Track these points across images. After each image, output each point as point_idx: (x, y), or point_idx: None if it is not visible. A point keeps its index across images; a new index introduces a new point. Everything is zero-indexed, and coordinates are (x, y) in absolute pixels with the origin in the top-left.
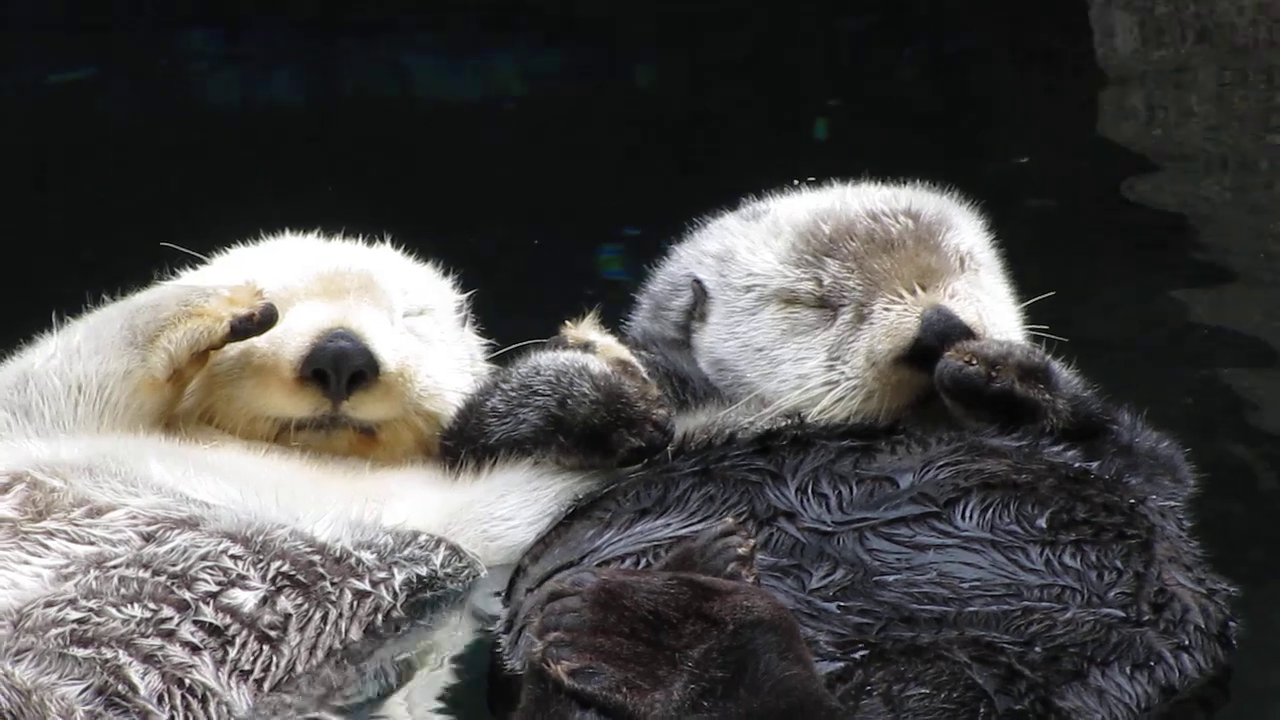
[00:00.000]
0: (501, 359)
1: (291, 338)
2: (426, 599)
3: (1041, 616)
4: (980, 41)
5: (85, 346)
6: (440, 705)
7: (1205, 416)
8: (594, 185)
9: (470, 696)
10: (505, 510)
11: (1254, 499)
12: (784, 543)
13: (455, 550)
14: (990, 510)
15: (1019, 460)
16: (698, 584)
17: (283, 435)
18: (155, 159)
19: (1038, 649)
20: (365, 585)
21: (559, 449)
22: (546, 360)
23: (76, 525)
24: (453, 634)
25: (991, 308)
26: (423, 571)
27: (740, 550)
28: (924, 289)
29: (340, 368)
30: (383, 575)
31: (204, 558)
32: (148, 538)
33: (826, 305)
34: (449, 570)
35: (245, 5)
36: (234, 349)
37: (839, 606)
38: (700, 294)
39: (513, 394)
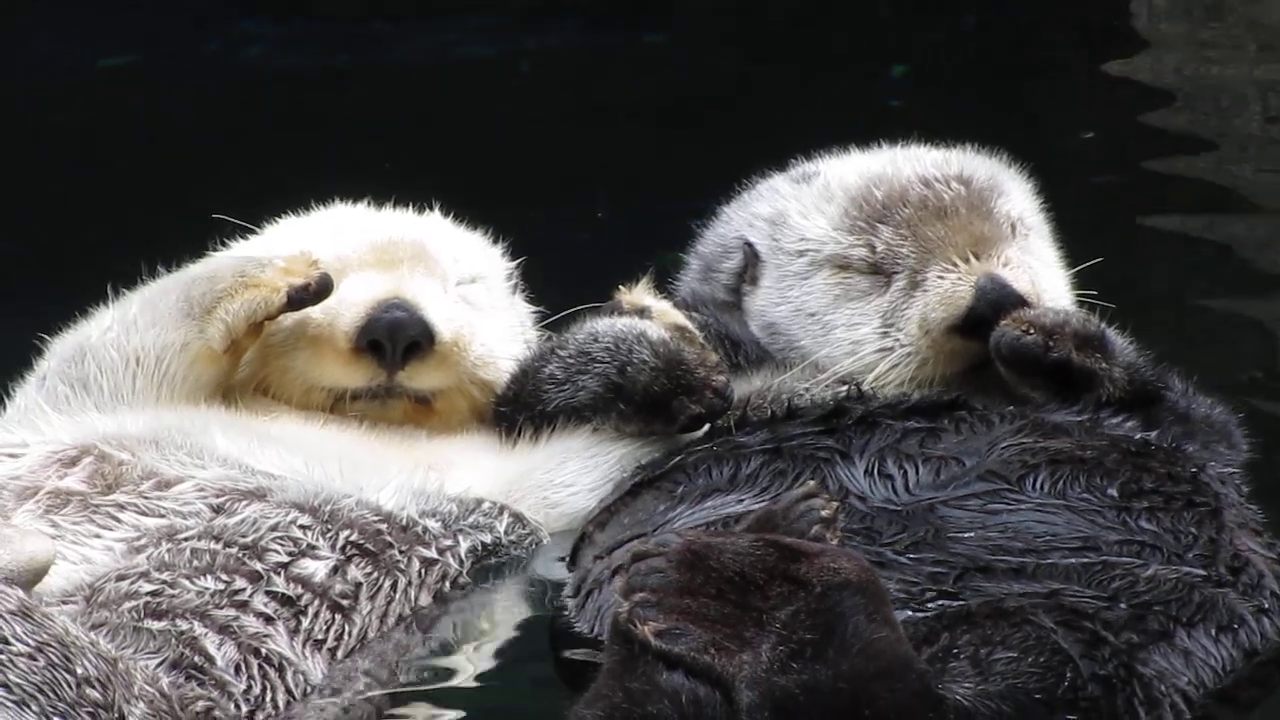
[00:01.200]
0: (552, 326)
1: (347, 308)
2: (491, 565)
3: (1123, 572)
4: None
5: (142, 319)
6: (508, 669)
7: (1256, 383)
8: (642, 153)
9: (536, 660)
10: (565, 477)
11: None
12: (854, 515)
13: (518, 517)
14: (1061, 482)
15: (1082, 436)
16: (783, 545)
17: (338, 405)
18: (199, 136)
19: (1122, 605)
20: (432, 553)
21: (619, 416)
22: (604, 326)
23: (146, 498)
24: (517, 599)
25: (1043, 274)
26: (487, 539)
27: (824, 513)
28: (977, 257)
29: (396, 338)
30: (448, 543)
31: (274, 528)
32: (217, 509)
33: (880, 272)
34: (512, 537)
35: None
36: (288, 319)
37: (910, 558)
38: (752, 257)
39: (571, 361)
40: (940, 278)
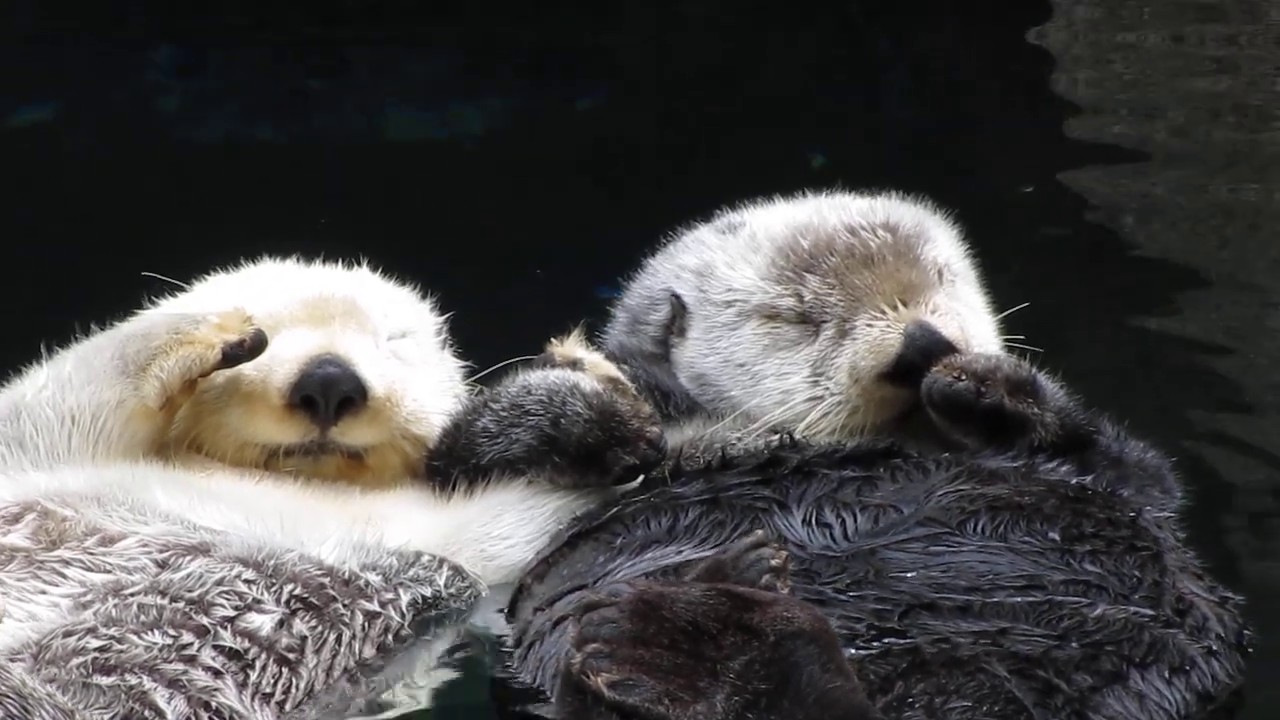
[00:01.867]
0: (483, 380)
1: (279, 365)
2: (431, 617)
3: (1070, 611)
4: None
5: (77, 377)
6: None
7: (1182, 428)
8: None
9: (480, 712)
10: (502, 530)
11: (1240, 509)
12: (792, 561)
13: (457, 570)
14: (1002, 527)
15: (1018, 481)
16: (736, 594)
17: (271, 461)
18: (123, 192)
19: (1074, 644)
20: (375, 606)
21: (553, 468)
22: (537, 379)
23: (91, 553)
24: (458, 651)
25: (971, 320)
26: (427, 591)
27: (774, 562)
28: (905, 304)
29: (329, 394)
30: (390, 596)
31: (219, 583)
32: (162, 564)
33: (808, 321)
34: (452, 590)
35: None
36: (221, 376)
37: (853, 595)
38: (679, 309)
39: (504, 414)
40: (869, 325)
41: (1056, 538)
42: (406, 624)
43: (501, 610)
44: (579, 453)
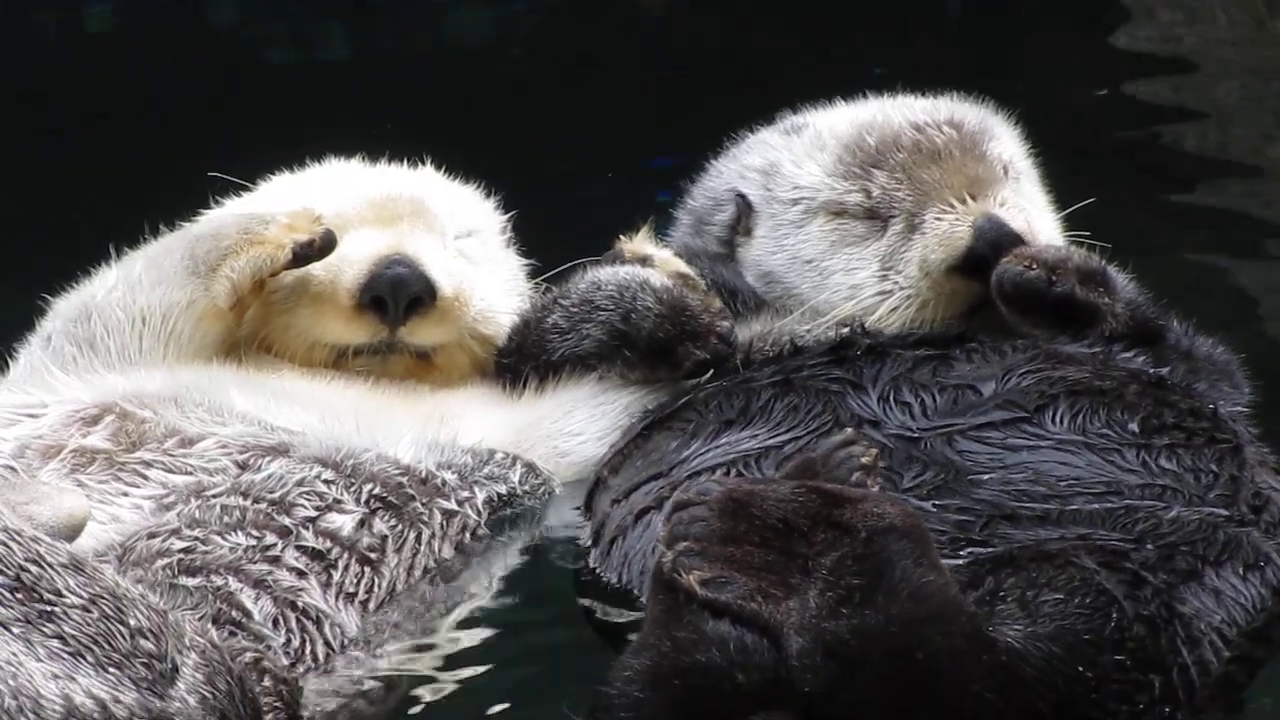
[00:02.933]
0: (551, 280)
1: (349, 265)
2: (506, 515)
3: (1146, 515)
4: None
5: (147, 278)
6: (534, 618)
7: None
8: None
9: (563, 607)
10: (574, 426)
11: None
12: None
13: (531, 467)
14: (1080, 415)
15: (1097, 366)
16: (826, 491)
17: (339, 361)
18: (183, 97)
19: (1149, 547)
20: (452, 504)
21: (624, 363)
22: (607, 275)
23: (171, 455)
24: (536, 548)
25: (1035, 216)
26: (502, 489)
27: (864, 459)
28: (974, 198)
29: (399, 294)
30: (466, 494)
31: (299, 484)
32: (242, 466)
33: (876, 216)
34: (526, 487)
35: None
36: (289, 276)
37: (935, 505)
38: (744, 208)
39: (574, 310)
40: (937, 219)
41: (1136, 429)
42: (483, 522)
43: (576, 507)
44: (650, 347)
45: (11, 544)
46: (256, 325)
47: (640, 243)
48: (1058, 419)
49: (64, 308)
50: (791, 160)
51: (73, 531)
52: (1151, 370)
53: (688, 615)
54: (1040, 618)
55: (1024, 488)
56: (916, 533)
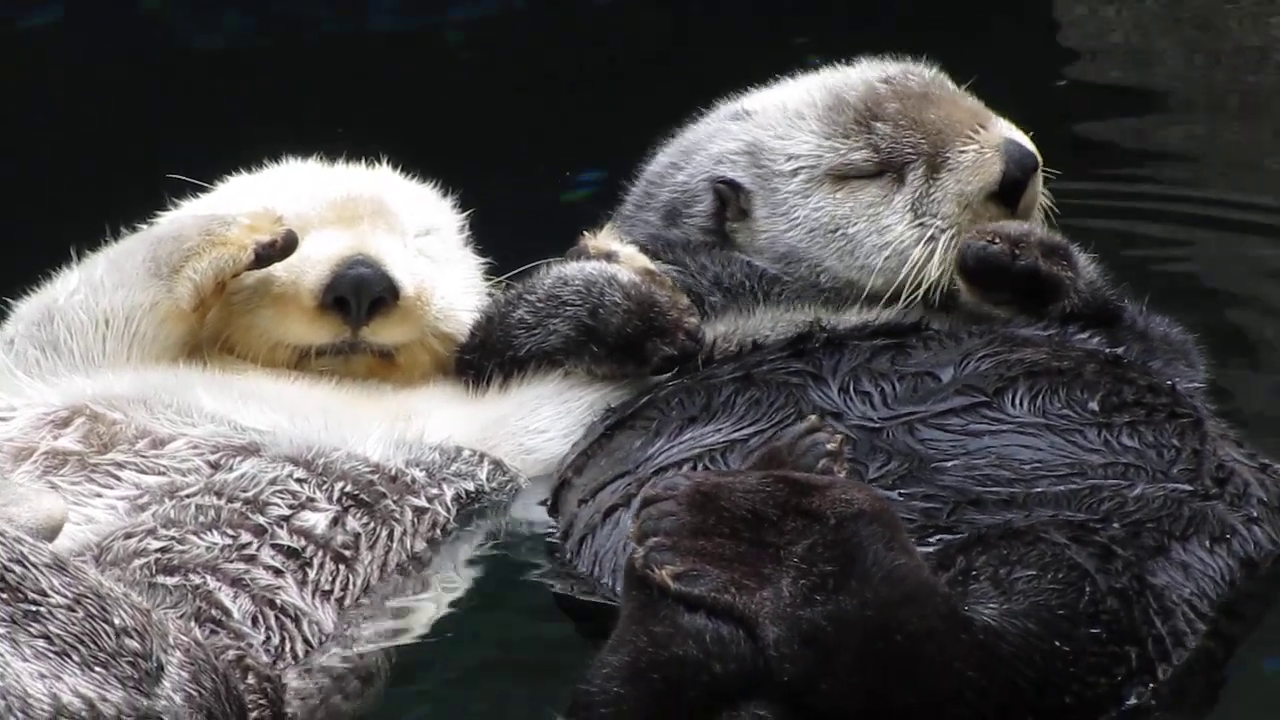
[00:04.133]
0: (512, 279)
1: (311, 266)
2: (474, 511)
3: (1111, 494)
4: None
5: (109, 280)
6: (507, 613)
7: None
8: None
9: (536, 602)
10: (540, 423)
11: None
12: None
13: (498, 464)
14: (1040, 396)
15: (1054, 348)
16: (793, 480)
17: (302, 361)
18: (120, 98)
19: (1115, 525)
20: (422, 501)
21: (591, 358)
22: (573, 270)
23: (143, 456)
24: (505, 544)
25: None
26: (470, 486)
27: (829, 446)
28: (983, 127)
29: (361, 295)
30: (435, 491)
31: (272, 482)
32: (214, 466)
33: (887, 169)
34: (494, 484)
35: None
36: (250, 277)
37: (901, 494)
38: (730, 194)
39: (541, 305)
40: (962, 152)
41: (1096, 408)
42: (452, 518)
43: (542, 503)
44: (617, 343)
45: None
46: (218, 326)
47: (605, 239)
48: (1017, 401)
49: (26, 311)
50: (774, 135)
51: (51, 532)
52: (1108, 349)
53: (663, 610)
54: (1014, 594)
55: (988, 472)
56: (886, 516)
